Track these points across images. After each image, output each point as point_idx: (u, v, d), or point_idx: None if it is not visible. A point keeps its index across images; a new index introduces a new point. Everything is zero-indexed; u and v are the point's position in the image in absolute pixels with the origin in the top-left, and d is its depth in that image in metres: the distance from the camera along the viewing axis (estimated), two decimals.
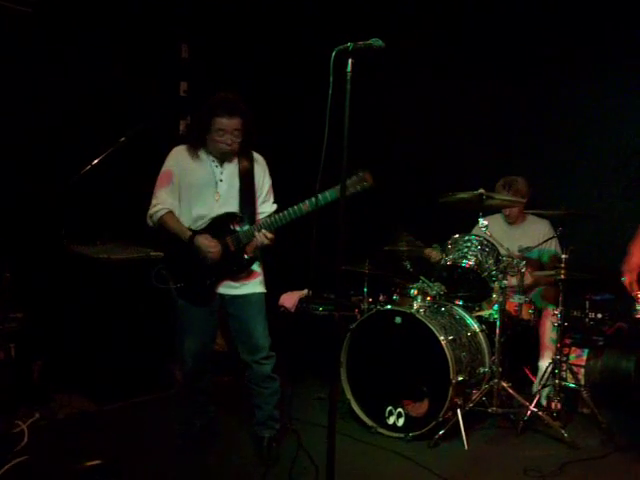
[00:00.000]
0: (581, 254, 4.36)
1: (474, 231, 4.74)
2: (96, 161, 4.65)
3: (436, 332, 4.04)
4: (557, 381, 4.31)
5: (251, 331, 3.71)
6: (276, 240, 3.62)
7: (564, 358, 4.42)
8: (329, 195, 3.38)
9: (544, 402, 4.39)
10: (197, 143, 3.67)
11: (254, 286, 3.75)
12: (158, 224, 3.69)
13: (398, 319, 4.24)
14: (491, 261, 4.33)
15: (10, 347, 4.10)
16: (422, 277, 4.68)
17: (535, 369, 4.65)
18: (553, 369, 4.35)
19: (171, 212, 3.67)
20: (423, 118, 5.70)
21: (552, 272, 4.43)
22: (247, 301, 3.72)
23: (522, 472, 3.65)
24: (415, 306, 4.36)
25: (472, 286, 4.49)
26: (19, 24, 4.78)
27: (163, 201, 3.67)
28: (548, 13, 5.19)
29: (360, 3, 5.84)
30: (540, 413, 4.16)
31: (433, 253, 4.77)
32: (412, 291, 4.55)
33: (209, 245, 3.58)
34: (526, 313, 4.53)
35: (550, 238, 4.75)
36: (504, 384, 4.21)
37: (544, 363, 4.53)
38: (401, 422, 4.14)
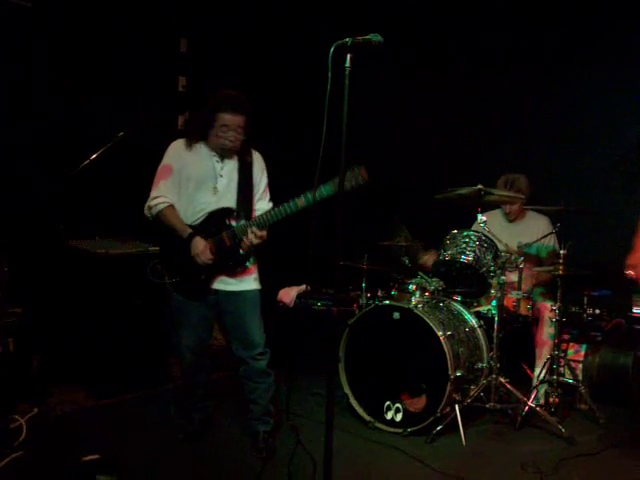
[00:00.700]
0: (579, 250, 4.36)
1: (473, 227, 4.74)
2: (95, 156, 4.65)
3: (434, 327, 4.04)
4: (555, 377, 4.32)
5: (246, 327, 3.71)
6: (268, 238, 3.61)
7: (562, 354, 4.43)
8: (325, 190, 3.37)
9: (542, 398, 4.40)
10: (198, 137, 3.67)
11: (249, 283, 3.75)
12: (156, 216, 3.68)
13: (396, 314, 4.25)
14: (489, 257, 4.33)
15: (9, 342, 4.09)
16: (420, 272, 4.69)
17: (533, 365, 4.65)
18: (551, 365, 4.36)
19: (171, 206, 3.67)
20: (422, 114, 5.70)
21: (551, 268, 4.44)
22: (242, 297, 3.72)
23: (520, 467, 3.66)
24: (413, 301, 4.36)
25: (470, 282, 4.49)
26: (19, 18, 4.77)
27: (164, 194, 3.66)
28: (548, 10, 5.18)
29: None
30: (538, 409, 4.17)
31: (429, 261, 4.79)
32: (410, 286, 4.55)
33: (200, 251, 3.58)
34: (524, 309, 4.53)
35: (549, 234, 4.75)
36: (502, 380, 4.22)
37: (542, 359, 4.53)
38: (399, 417, 4.14)
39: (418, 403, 4.10)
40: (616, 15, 4.91)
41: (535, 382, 4.46)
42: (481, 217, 4.41)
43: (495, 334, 4.27)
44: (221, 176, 3.69)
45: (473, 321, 4.47)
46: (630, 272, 3.39)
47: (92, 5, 5.20)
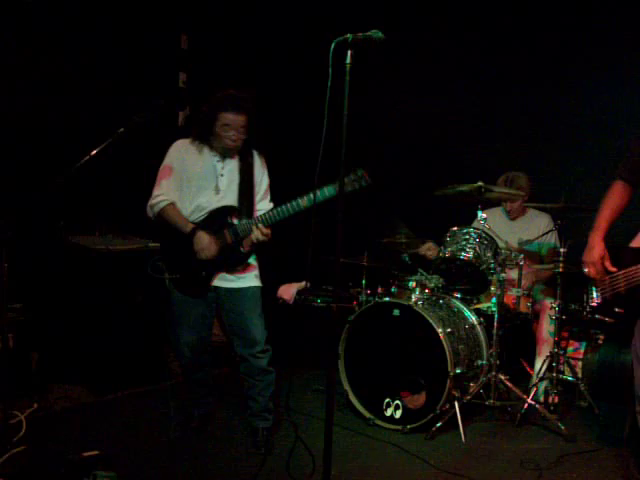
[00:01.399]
0: (580, 247, 4.36)
1: (473, 224, 4.74)
2: (95, 152, 4.63)
3: (434, 324, 4.04)
4: (554, 374, 4.32)
5: (247, 325, 3.71)
6: (272, 236, 3.62)
7: (562, 351, 4.43)
8: (327, 191, 3.39)
9: (541, 395, 4.40)
10: (200, 136, 3.68)
11: (250, 280, 3.75)
12: (158, 215, 3.69)
13: (396, 311, 4.25)
14: (489, 254, 4.33)
15: (8, 337, 4.09)
16: (420, 269, 4.69)
17: (533, 362, 4.66)
18: (550, 362, 4.36)
19: (173, 203, 3.68)
20: (422, 110, 5.69)
21: (551, 265, 4.44)
22: (243, 295, 3.72)
23: (519, 465, 3.66)
24: (413, 298, 4.36)
25: (470, 279, 4.50)
26: (20, 13, 4.77)
27: (165, 192, 3.67)
28: (548, 10, 5.18)
29: None
30: (537, 406, 4.17)
31: (429, 252, 4.79)
32: (410, 283, 4.55)
33: (205, 246, 3.58)
34: (524, 306, 4.53)
35: (549, 231, 4.75)
36: (502, 377, 4.22)
37: (541, 356, 4.54)
38: (399, 414, 4.14)
39: (417, 400, 4.10)
40: (616, 15, 4.90)
41: (535, 379, 4.46)
42: (481, 214, 4.41)
43: (495, 331, 4.27)
44: (222, 175, 3.69)
45: (473, 318, 4.46)
46: (587, 270, 3.45)
47: (92, 2, 5.20)
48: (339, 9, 5.79)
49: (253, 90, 3.69)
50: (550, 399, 4.33)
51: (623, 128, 4.94)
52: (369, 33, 2.61)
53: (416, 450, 3.82)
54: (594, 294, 3.53)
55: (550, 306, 4.45)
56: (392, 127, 5.90)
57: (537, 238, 4.68)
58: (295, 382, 4.80)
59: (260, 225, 3.56)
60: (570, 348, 4.69)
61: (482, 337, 4.41)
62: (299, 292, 5.46)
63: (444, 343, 4.00)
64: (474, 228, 4.48)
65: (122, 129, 4.74)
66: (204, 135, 3.66)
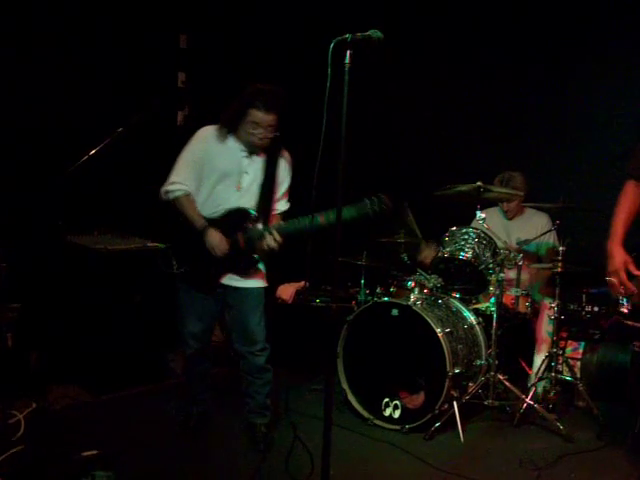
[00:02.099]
0: (578, 247, 4.37)
1: (472, 224, 4.74)
2: (94, 151, 4.64)
3: (433, 324, 4.05)
4: (553, 374, 4.32)
5: (248, 323, 3.72)
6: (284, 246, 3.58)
7: (560, 351, 4.43)
8: (347, 213, 3.33)
9: (540, 395, 4.40)
10: (228, 128, 3.61)
11: (256, 281, 3.75)
12: (171, 202, 3.65)
13: (395, 311, 4.25)
14: (488, 254, 4.34)
15: (7, 337, 4.09)
16: (419, 269, 4.69)
17: (531, 362, 4.66)
18: (549, 362, 4.36)
19: (188, 194, 3.63)
20: (421, 111, 5.69)
21: (549, 265, 4.44)
22: (247, 293, 3.72)
23: (518, 464, 3.66)
24: (412, 298, 4.36)
25: (469, 279, 4.50)
26: (20, 13, 4.77)
27: (182, 180, 3.62)
28: (547, 9, 5.18)
29: None
30: (536, 406, 4.17)
31: (426, 260, 4.80)
32: (409, 283, 4.55)
33: (217, 243, 3.55)
34: (523, 306, 4.54)
35: (548, 231, 4.75)
36: (500, 377, 4.22)
37: (540, 356, 4.54)
38: (397, 414, 4.14)
39: (416, 400, 4.11)
40: (617, 15, 4.90)
41: (533, 379, 4.47)
42: (480, 214, 4.41)
43: (494, 331, 4.27)
44: (247, 173, 3.64)
45: (472, 318, 4.47)
46: (611, 279, 3.32)
47: (91, 2, 5.20)
48: (339, 9, 5.79)
49: (282, 89, 3.61)
50: (549, 399, 4.32)
51: (622, 128, 4.96)
52: (368, 33, 2.60)
53: (415, 450, 3.82)
54: (623, 301, 3.36)
55: (549, 306, 4.45)
56: (391, 127, 5.90)
57: (536, 238, 4.68)
58: (294, 382, 4.80)
59: (274, 232, 3.52)
60: (569, 348, 4.69)
61: (481, 337, 4.42)
62: (298, 292, 5.46)
63: (443, 343, 4.00)
64: (473, 228, 4.48)
65: (121, 129, 4.76)
66: (232, 127, 3.59)
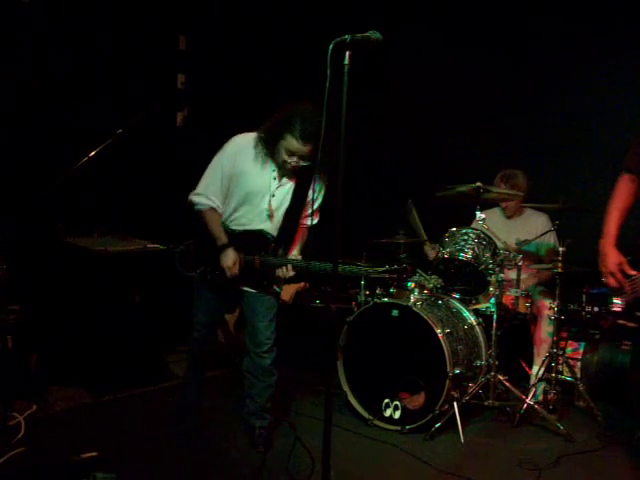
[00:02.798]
0: (578, 247, 4.36)
1: (472, 225, 4.74)
2: (93, 153, 4.63)
3: (433, 325, 4.04)
4: (553, 374, 4.32)
5: (257, 325, 3.72)
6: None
7: (560, 351, 4.43)
8: (354, 270, 3.42)
9: (540, 395, 4.40)
10: (266, 142, 3.53)
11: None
12: (199, 214, 3.66)
13: (395, 312, 4.25)
14: (488, 254, 4.34)
15: (7, 339, 4.09)
16: (419, 270, 4.68)
17: (531, 362, 4.66)
18: (549, 362, 4.36)
19: (213, 209, 3.62)
20: (421, 110, 5.69)
21: (549, 265, 4.44)
22: (260, 299, 3.72)
23: (518, 465, 3.66)
24: (412, 299, 4.35)
25: (469, 279, 4.50)
26: (17, 14, 4.77)
27: (209, 194, 3.61)
28: (548, 9, 5.18)
29: None
30: (536, 406, 4.17)
31: (431, 252, 4.80)
32: (409, 284, 4.54)
33: (230, 266, 3.55)
34: (523, 306, 4.53)
35: (548, 231, 4.75)
36: (500, 377, 4.22)
37: (540, 357, 4.54)
38: (398, 415, 4.14)
39: (416, 400, 4.10)
40: (618, 15, 4.90)
41: (533, 380, 4.47)
42: (480, 214, 4.41)
43: (494, 332, 4.27)
44: (274, 196, 3.61)
45: (472, 319, 4.47)
46: (605, 279, 3.29)
47: (91, 3, 5.19)
48: (338, 9, 5.79)
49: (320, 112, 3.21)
50: (549, 399, 4.33)
51: (622, 128, 4.95)
52: (367, 34, 2.60)
53: (415, 450, 3.82)
54: (615, 300, 3.30)
55: (549, 306, 4.45)
56: (390, 127, 5.90)
57: (535, 238, 4.68)
58: (294, 383, 4.80)
59: (289, 266, 3.51)
60: (569, 348, 4.70)
61: (481, 337, 4.42)
62: (298, 293, 5.47)
63: (443, 343, 4.00)
64: (473, 228, 4.48)
65: (120, 130, 4.75)
66: (268, 141, 3.51)
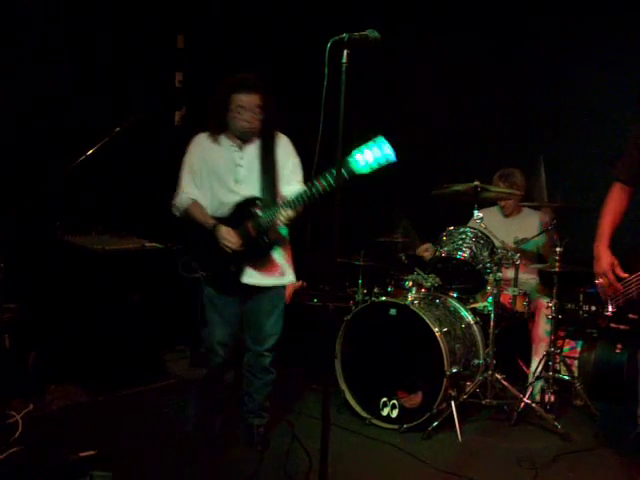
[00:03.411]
0: (576, 246, 4.36)
1: (470, 224, 4.74)
2: (91, 151, 4.62)
3: (430, 324, 4.05)
4: (551, 373, 4.33)
5: (261, 324, 3.72)
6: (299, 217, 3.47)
7: (558, 350, 4.44)
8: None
9: (538, 394, 4.41)
10: (217, 128, 3.63)
11: (276, 279, 3.71)
12: (184, 213, 3.69)
13: (393, 311, 4.25)
14: (486, 253, 4.34)
15: (4, 338, 4.09)
16: (417, 269, 4.69)
17: (529, 361, 4.66)
18: (547, 361, 4.37)
19: (195, 202, 3.67)
20: (418, 110, 5.69)
21: (547, 265, 4.45)
22: (264, 295, 3.70)
23: (515, 463, 3.67)
24: (410, 298, 4.36)
25: (467, 278, 4.50)
26: (17, 12, 4.77)
27: (186, 191, 3.67)
28: (547, 7, 5.19)
29: None
30: (534, 405, 4.18)
31: (426, 253, 4.79)
32: (407, 283, 4.55)
33: (228, 238, 3.53)
34: (520, 305, 4.54)
35: (545, 230, 4.75)
36: (498, 376, 4.22)
37: (538, 355, 4.54)
38: (395, 413, 4.15)
39: (414, 399, 4.11)
40: (618, 14, 4.90)
41: (531, 378, 4.47)
42: (477, 213, 4.42)
43: (491, 330, 4.28)
44: (240, 166, 3.63)
45: (469, 317, 4.47)
46: (598, 281, 3.38)
47: (89, 2, 5.19)
48: (337, 9, 5.79)
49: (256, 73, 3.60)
50: (546, 398, 4.33)
51: (621, 126, 4.96)
52: (365, 32, 2.61)
53: (412, 449, 3.82)
54: (607, 304, 3.39)
55: (546, 305, 4.46)
56: (389, 127, 5.89)
57: (533, 237, 4.68)
58: (292, 381, 4.80)
59: (281, 210, 3.41)
60: (566, 347, 4.70)
61: (478, 336, 4.42)
62: (296, 292, 5.46)
63: (440, 342, 4.01)
64: (470, 227, 4.49)
65: (118, 128, 4.75)
66: (220, 123, 3.60)
